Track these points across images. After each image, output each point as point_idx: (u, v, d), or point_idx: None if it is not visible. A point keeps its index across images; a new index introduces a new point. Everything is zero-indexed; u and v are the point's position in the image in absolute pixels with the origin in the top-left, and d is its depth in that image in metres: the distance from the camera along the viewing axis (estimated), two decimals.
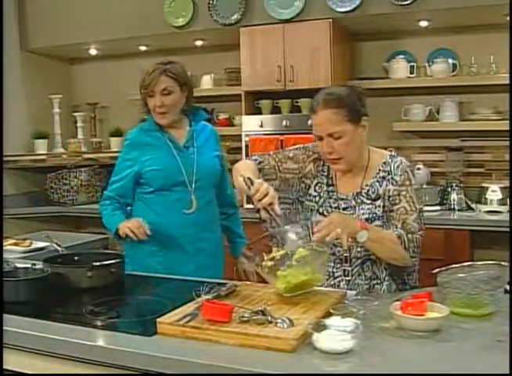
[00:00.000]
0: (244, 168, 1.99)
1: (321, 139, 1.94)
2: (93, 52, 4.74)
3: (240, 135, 4.22)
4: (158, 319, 1.53)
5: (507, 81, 3.71)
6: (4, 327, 1.62)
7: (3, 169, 4.31)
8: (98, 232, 3.85)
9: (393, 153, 2.05)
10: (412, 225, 1.93)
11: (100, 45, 4.62)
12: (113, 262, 2.01)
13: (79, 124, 4.85)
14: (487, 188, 3.81)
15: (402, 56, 4.07)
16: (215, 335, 1.45)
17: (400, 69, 4.04)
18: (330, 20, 3.75)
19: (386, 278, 2.00)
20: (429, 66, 4.01)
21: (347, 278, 1.99)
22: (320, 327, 1.45)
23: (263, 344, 1.41)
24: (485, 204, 3.80)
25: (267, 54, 3.93)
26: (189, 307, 1.62)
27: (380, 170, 2.00)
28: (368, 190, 1.99)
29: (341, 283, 1.99)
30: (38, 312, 1.74)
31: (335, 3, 3.69)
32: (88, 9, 4.42)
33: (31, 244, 2.76)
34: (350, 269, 1.99)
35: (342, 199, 2.02)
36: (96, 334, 1.56)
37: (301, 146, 2.15)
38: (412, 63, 4.02)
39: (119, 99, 4.80)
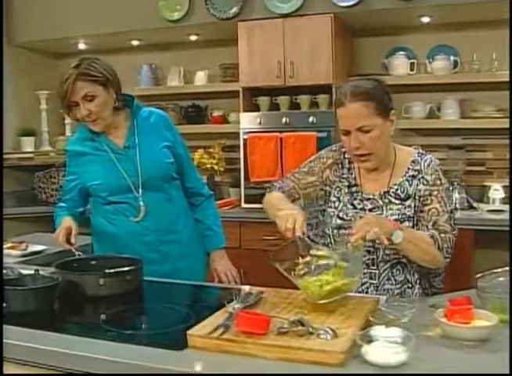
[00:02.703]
0: (274, 202, 1.95)
1: (347, 133, 1.84)
2: (82, 46, 4.57)
3: (236, 133, 4.11)
4: (189, 332, 1.41)
5: (509, 79, 3.67)
6: (11, 341, 1.48)
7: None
8: (87, 233, 3.72)
9: (421, 151, 1.96)
10: (445, 225, 1.84)
11: (89, 40, 4.47)
12: (128, 268, 1.88)
13: (67, 121, 4.67)
14: (489, 187, 3.76)
15: (402, 53, 4.00)
16: (253, 349, 1.34)
17: (400, 66, 3.97)
18: (332, 15, 3.66)
19: (417, 282, 1.91)
20: (429, 62, 3.94)
21: (373, 282, 1.90)
22: (365, 337, 1.35)
23: (307, 358, 1.30)
24: (487, 203, 3.75)
25: (266, 49, 3.83)
26: (219, 317, 1.51)
27: (409, 168, 1.91)
28: (397, 190, 1.90)
29: (369, 289, 1.89)
30: (49, 323, 1.61)
31: None
32: (78, 1, 4.26)
33: (27, 246, 2.61)
34: (377, 272, 1.89)
35: (368, 199, 1.92)
36: (118, 348, 1.42)
37: (315, 156, 2.08)
38: (412, 60, 3.95)
39: None
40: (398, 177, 1.91)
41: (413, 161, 1.92)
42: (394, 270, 1.90)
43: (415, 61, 3.94)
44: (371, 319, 1.51)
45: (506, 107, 3.74)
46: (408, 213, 1.87)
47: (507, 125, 3.70)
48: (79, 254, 2.14)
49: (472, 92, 3.87)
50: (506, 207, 3.70)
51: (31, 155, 4.44)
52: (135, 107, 2.28)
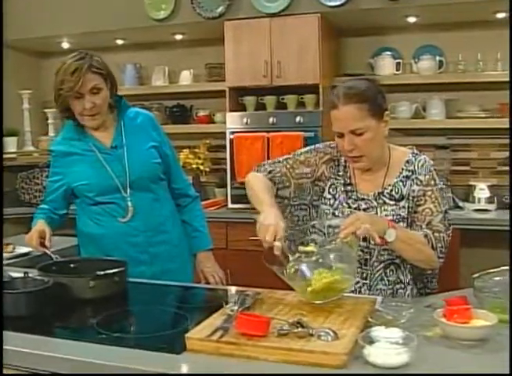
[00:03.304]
0: (257, 189, 1.89)
1: (341, 135, 1.83)
2: (66, 45, 4.51)
3: (222, 133, 4.09)
4: (187, 335, 1.39)
5: (494, 79, 3.72)
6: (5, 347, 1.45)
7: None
8: (71, 234, 3.66)
9: (415, 151, 1.96)
10: (439, 225, 1.84)
11: (73, 39, 4.40)
12: (116, 270, 1.85)
13: (50, 121, 4.61)
14: (474, 186, 3.79)
15: (387, 53, 4.02)
16: (254, 351, 1.32)
17: (386, 65, 3.99)
18: (319, 15, 3.65)
19: (410, 282, 1.91)
20: (415, 63, 3.97)
21: (366, 282, 1.89)
22: (367, 338, 1.34)
23: (309, 360, 1.28)
24: (473, 202, 3.78)
25: (253, 49, 3.81)
26: (216, 319, 1.48)
27: (403, 169, 1.91)
28: (391, 190, 1.89)
29: (362, 289, 1.89)
30: (41, 327, 1.57)
31: None
32: None
33: (14, 248, 2.57)
34: (370, 272, 1.89)
35: (362, 199, 1.91)
36: (115, 352, 1.39)
37: (311, 147, 2.04)
38: (398, 60, 3.97)
39: None
40: (392, 177, 1.91)
41: (407, 161, 1.92)
42: (388, 270, 1.89)
43: (401, 61, 3.97)
44: (370, 319, 1.51)
45: (490, 107, 3.79)
46: (402, 214, 1.87)
47: (492, 125, 3.74)
48: (56, 258, 2.10)
49: (457, 92, 3.89)
50: (492, 206, 3.74)
51: (14, 155, 4.36)
52: (123, 106, 2.25)
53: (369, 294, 1.87)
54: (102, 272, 1.79)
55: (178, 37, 4.29)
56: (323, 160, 1.99)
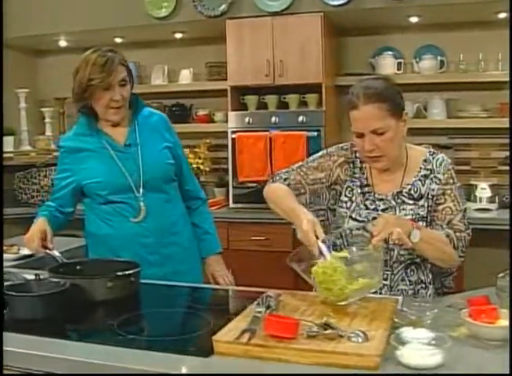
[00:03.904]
0: (282, 198, 1.89)
1: (361, 136, 1.81)
2: (63, 43, 4.46)
3: (222, 132, 4.08)
4: (214, 337, 1.37)
5: (496, 79, 3.73)
6: (22, 350, 1.41)
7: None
8: (69, 234, 3.62)
9: (432, 150, 1.95)
10: (459, 224, 1.84)
11: (71, 37, 4.35)
12: (133, 271, 1.82)
13: (47, 120, 4.57)
14: (476, 186, 3.81)
15: (388, 53, 4.02)
16: (285, 354, 1.30)
17: (387, 65, 3.99)
18: (322, 14, 3.64)
19: (431, 282, 1.90)
20: (416, 62, 3.97)
21: (387, 283, 1.88)
22: (397, 339, 1.33)
23: (342, 361, 1.27)
24: (474, 201, 3.79)
25: (255, 48, 3.79)
26: (241, 322, 1.46)
27: (421, 168, 1.90)
28: (409, 190, 1.88)
29: (383, 290, 1.87)
30: (60, 330, 1.54)
31: None
32: None
33: (19, 249, 2.53)
34: (391, 273, 1.87)
35: (381, 199, 1.90)
36: (139, 356, 1.36)
37: (324, 152, 2.02)
38: (399, 60, 3.97)
39: None
40: (410, 177, 1.89)
41: (425, 160, 1.91)
42: (408, 271, 1.88)
43: (402, 61, 3.96)
44: (396, 320, 1.50)
45: (491, 107, 3.80)
46: (421, 213, 1.86)
47: (493, 125, 3.76)
48: (61, 259, 2.04)
49: (458, 91, 3.90)
50: (493, 205, 3.75)
51: (11, 155, 4.30)
52: (139, 105, 2.22)
53: (390, 295, 1.85)
54: (120, 273, 1.76)
55: (178, 35, 4.26)
56: (337, 163, 1.97)
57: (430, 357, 1.25)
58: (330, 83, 3.87)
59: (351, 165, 1.96)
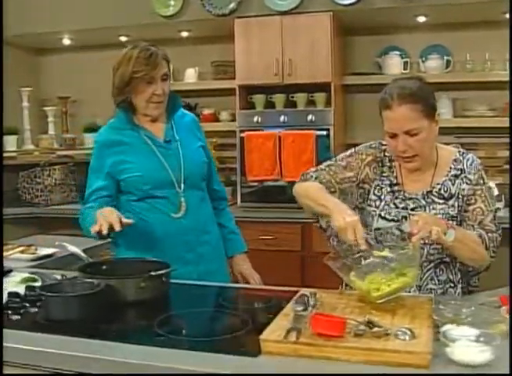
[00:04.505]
0: (316, 194, 1.89)
1: (393, 136, 1.81)
2: (66, 42, 4.43)
3: (228, 131, 4.09)
4: (261, 337, 1.37)
5: (502, 78, 3.76)
6: (60, 351, 1.40)
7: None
8: (73, 234, 3.60)
9: (462, 150, 1.96)
10: (490, 225, 1.85)
11: (74, 35, 4.33)
12: (165, 271, 1.80)
13: (50, 119, 4.54)
14: None
15: (395, 52, 4.03)
16: (335, 352, 1.30)
17: (393, 65, 4.01)
18: (331, 13, 3.65)
19: (459, 281, 1.92)
20: (422, 62, 3.99)
21: (416, 283, 1.88)
22: (445, 337, 1.33)
23: (393, 359, 1.27)
24: None
25: (264, 47, 3.79)
26: (283, 321, 1.46)
27: (451, 168, 1.90)
28: (440, 189, 1.89)
29: (411, 290, 1.87)
30: (97, 331, 1.52)
31: None
32: None
33: (36, 249, 2.51)
34: (420, 272, 1.88)
35: (410, 198, 1.90)
36: (184, 357, 1.35)
37: (352, 151, 2.02)
38: (405, 59, 3.99)
39: (93, 93, 4.50)
40: (440, 176, 1.90)
41: (455, 160, 1.92)
42: (438, 270, 1.89)
43: (408, 60, 3.98)
44: (436, 318, 1.50)
45: (497, 106, 3.83)
46: (451, 213, 1.86)
47: (499, 124, 3.78)
48: (88, 259, 2.04)
49: (465, 91, 3.93)
50: (500, 204, 3.77)
51: (14, 154, 4.27)
52: (176, 102, 2.22)
53: (419, 294, 1.86)
54: (153, 273, 1.75)
55: (184, 34, 4.24)
56: (366, 162, 1.97)
57: (481, 354, 1.26)
58: (338, 82, 3.88)
59: (380, 164, 1.96)
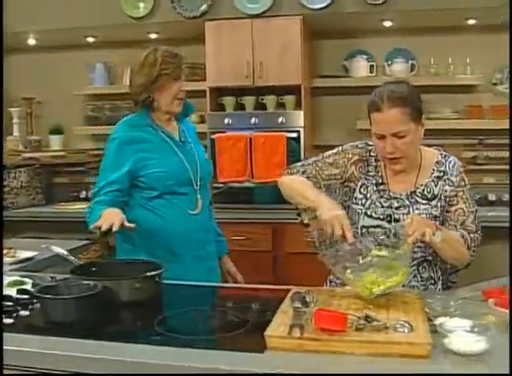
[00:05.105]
0: (301, 187, 1.95)
1: (381, 137, 1.88)
2: (32, 42, 4.35)
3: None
4: (266, 333, 1.40)
5: (464, 82, 3.92)
6: (64, 352, 1.41)
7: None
8: (40, 237, 3.56)
9: (443, 152, 2.04)
10: (471, 226, 1.94)
11: (41, 35, 4.25)
12: (158, 272, 1.82)
13: (15, 120, 4.45)
14: None
15: (361, 56, 4.14)
16: (340, 346, 1.35)
17: (360, 68, 4.12)
18: (301, 17, 3.72)
19: (440, 278, 2.00)
20: (388, 65, 4.11)
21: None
22: (441, 328, 1.40)
23: (395, 351, 1.33)
24: None
25: (234, 49, 3.82)
26: (284, 318, 1.50)
27: (434, 170, 1.98)
28: (423, 190, 1.96)
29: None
30: (96, 331, 1.53)
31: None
32: None
33: (15, 252, 2.47)
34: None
35: (395, 198, 1.97)
36: (192, 355, 1.37)
37: (339, 149, 2.08)
38: (371, 63, 4.10)
39: (59, 94, 4.45)
40: (424, 178, 1.98)
41: (438, 162, 1.99)
42: (420, 268, 1.97)
43: (374, 64, 4.09)
44: (427, 311, 1.58)
45: (460, 109, 3.98)
46: (434, 213, 1.94)
47: (462, 126, 3.94)
48: (75, 261, 2.05)
49: (429, 94, 4.03)
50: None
51: None
52: (189, 106, 2.34)
53: None
54: (148, 274, 1.77)
55: (153, 36, 4.23)
56: (352, 160, 2.03)
57: (477, 343, 1.33)
58: (308, 85, 3.95)
59: (366, 163, 2.03)
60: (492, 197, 3.93)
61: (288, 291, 1.73)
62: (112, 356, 1.38)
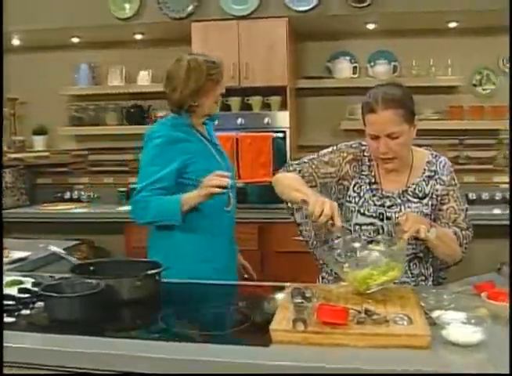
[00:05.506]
0: (294, 184, 1.99)
1: (375, 138, 1.93)
2: (16, 42, 4.32)
3: None
4: (271, 327, 1.45)
5: (445, 83, 4.01)
6: (72, 349, 1.44)
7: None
8: (25, 237, 3.54)
9: (434, 152, 2.10)
10: (463, 223, 2.01)
11: (25, 35, 4.22)
12: (159, 270, 1.85)
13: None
14: None
15: (345, 57, 4.21)
16: (344, 339, 1.40)
17: (343, 69, 4.18)
18: (287, 19, 3.77)
19: (430, 274, 2.06)
20: (371, 67, 4.18)
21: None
22: (440, 320, 1.46)
23: (397, 342, 1.39)
24: None
25: (220, 50, 3.78)
26: (285, 313, 1.55)
27: (425, 169, 2.04)
28: (414, 189, 2.02)
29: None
30: (99, 329, 1.56)
31: (292, 1, 3.72)
32: None
33: (9, 253, 2.47)
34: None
35: (387, 197, 2.03)
36: (202, 349, 1.41)
37: (334, 148, 2.13)
38: (354, 64, 4.17)
39: (43, 95, 4.43)
40: (415, 177, 2.04)
41: (429, 162, 2.06)
42: (411, 264, 2.03)
43: (357, 65, 4.16)
44: (423, 304, 1.64)
45: (442, 110, 4.07)
46: (425, 211, 2.00)
47: (444, 127, 4.03)
48: (75, 261, 2.07)
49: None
50: None
51: None
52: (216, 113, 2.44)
53: None
54: (150, 272, 1.80)
55: (138, 36, 4.24)
56: (346, 159, 2.08)
57: (474, 334, 1.40)
58: (293, 86, 4.01)
59: (360, 163, 2.08)
60: (472, 195, 4.02)
61: (283, 287, 1.80)
62: (115, 350, 1.42)
